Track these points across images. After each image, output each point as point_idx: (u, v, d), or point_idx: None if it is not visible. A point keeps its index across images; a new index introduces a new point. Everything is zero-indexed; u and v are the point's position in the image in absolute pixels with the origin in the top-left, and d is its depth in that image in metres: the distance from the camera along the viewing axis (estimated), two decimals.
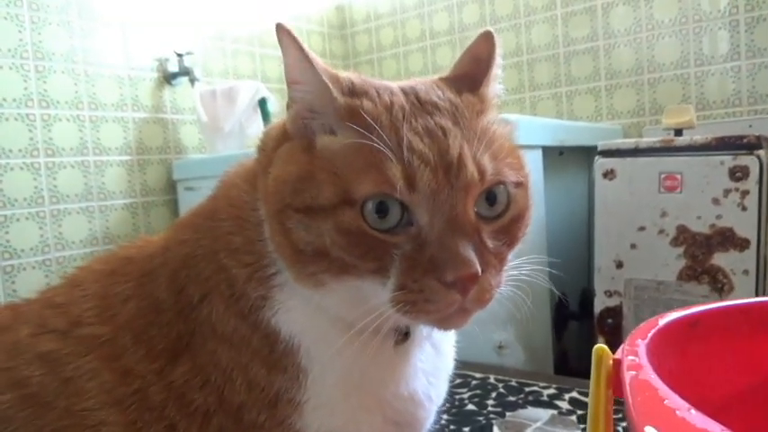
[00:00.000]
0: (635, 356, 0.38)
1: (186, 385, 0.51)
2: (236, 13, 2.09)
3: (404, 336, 0.54)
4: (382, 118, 0.46)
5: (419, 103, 0.48)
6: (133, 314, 0.54)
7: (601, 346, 0.41)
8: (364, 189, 0.44)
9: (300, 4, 2.32)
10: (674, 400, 0.31)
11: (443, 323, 0.47)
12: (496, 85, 0.53)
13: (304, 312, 0.51)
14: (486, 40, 0.52)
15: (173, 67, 1.85)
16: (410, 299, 0.44)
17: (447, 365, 0.60)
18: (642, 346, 0.40)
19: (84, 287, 0.57)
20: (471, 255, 0.43)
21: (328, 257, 0.46)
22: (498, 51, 0.52)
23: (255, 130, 1.82)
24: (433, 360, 0.57)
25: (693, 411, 0.29)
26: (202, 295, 0.52)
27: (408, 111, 0.47)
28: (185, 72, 1.84)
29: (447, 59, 2.19)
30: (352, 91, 0.48)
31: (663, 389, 0.33)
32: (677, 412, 0.29)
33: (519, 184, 0.50)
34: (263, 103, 1.83)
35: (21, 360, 0.54)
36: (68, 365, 0.52)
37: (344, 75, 0.50)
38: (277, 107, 1.88)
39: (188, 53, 1.86)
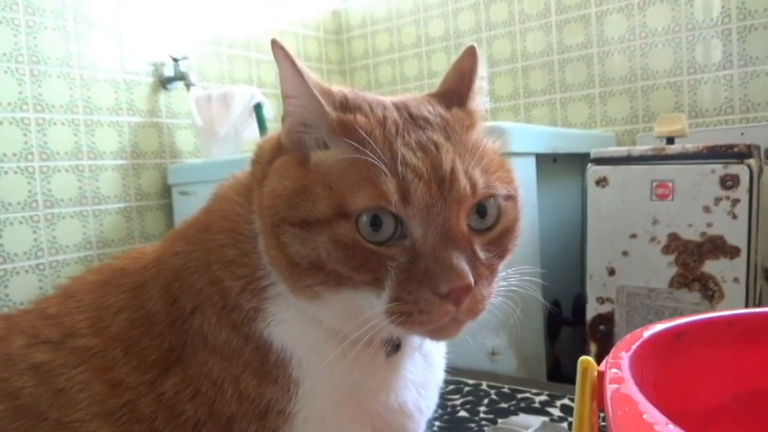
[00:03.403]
0: (618, 369, 0.39)
1: (176, 397, 0.51)
2: (233, 18, 2.09)
3: (395, 347, 0.54)
4: (376, 132, 0.47)
5: (411, 118, 0.49)
6: (125, 326, 0.54)
7: (586, 358, 0.42)
8: (359, 202, 0.45)
9: (297, 9, 2.32)
10: (652, 414, 0.32)
11: (437, 334, 0.48)
12: (481, 98, 0.54)
13: (297, 324, 0.52)
14: (469, 55, 0.54)
15: (168, 71, 1.85)
16: (405, 310, 0.44)
17: (437, 377, 0.60)
18: (625, 359, 0.41)
19: (77, 298, 0.58)
20: (464, 266, 0.44)
21: (324, 270, 0.46)
22: (481, 65, 0.54)
23: (250, 135, 1.83)
24: (424, 371, 0.58)
25: (671, 426, 0.30)
26: (194, 307, 0.53)
27: (401, 125, 0.48)
28: (181, 77, 1.84)
29: (442, 66, 2.20)
30: (345, 105, 0.49)
31: (643, 402, 0.33)
32: (655, 427, 0.30)
33: (509, 197, 0.51)
34: (258, 109, 1.84)
35: (13, 371, 0.54)
36: (60, 377, 0.53)
37: (337, 89, 0.51)
38: (272, 112, 1.88)
39: (184, 58, 1.86)
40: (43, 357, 0.54)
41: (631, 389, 0.36)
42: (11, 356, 0.55)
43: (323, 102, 0.48)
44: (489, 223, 0.48)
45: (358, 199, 0.45)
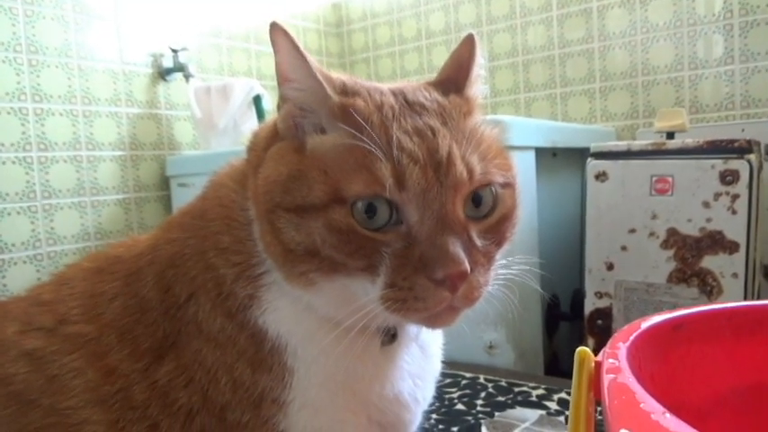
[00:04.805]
0: (615, 359, 0.39)
1: (170, 384, 0.51)
2: (232, 10, 2.08)
3: (391, 337, 0.54)
4: (373, 117, 0.46)
5: (408, 103, 0.49)
6: (119, 313, 0.54)
7: (583, 349, 0.42)
8: (354, 189, 0.44)
9: (297, 2, 2.31)
10: (649, 403, 0.31)
11: (432, 321, 0.48)
12: (480, 86, 0.54)
13: (292, 312, 0.51)
14: (468, 42, 0.53)
15: (167, 62, 1.84)
16: (400, 296, 0.44)
17: (434, 367, 0.60)
18: (623, 349, 0.41)
19: (71, 285, 0.57)
20: (460, 252, 0.43)
21: (318, 256, 0.46)
22: (479, 53, 0.53)
23: (249, 127, 1.82)
24: (420, 362, 0.58)
25: (668, 415, 0.30)
26: (189, 294, 0.53)
27: (398, 111, 0.47)
28: (180, 68, 1.84)
29: (442, 59, 2.15)
30: (344, 90, 0.49)
31: (640, 392, 0.33)
32: (652, 416, 0.30)
33: (506, 185, 0.50)
34: (257, 101, 1.83)
35: (6, 358, 0.54)
36: (53, 363, 0.52)
37: (335, 75, 0.50)
38: (271, 104, 1.87)
39: (183, 49, 1.85)
40: (36, 344, 0.54)
41: (628, 379, 0.35)
42: (3, 343, 0.55)
43: (325, 85, 0.47)
44: (485, 211, 0.48)
45: (353, 185, 0.44)
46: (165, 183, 1.84)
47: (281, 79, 0.49)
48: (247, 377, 0.50)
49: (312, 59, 0.48)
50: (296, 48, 0.47)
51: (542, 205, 1.44)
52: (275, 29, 0.47)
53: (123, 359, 0.52)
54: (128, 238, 0.63)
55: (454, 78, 0.53)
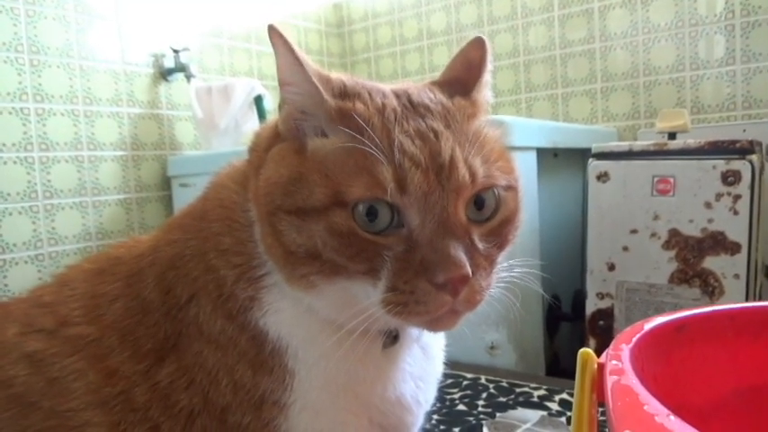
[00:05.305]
0: (618, 361, 0.38)
1: (171, 386, 0.51)
2: (233, 10, 2.08)
3: (392, 339, 0.54)
4: (374, 120, 0.46)
5: (411, 105, 0.48)
6: (120, 314, 0.54)
7: (586, 350, 0.42)
8: (355, 192, 0.44)
9: (298, 2, 2.31)
10: (653, 405, 0.31)
11: (433, 325, 0.47)
12: (487, 91, 0.53)
13: (293, 314, 0.51)
14: (478, 45, 0.53)
15: (168, 62, 1.84)
16: (401, 300, 0.44)
17: (436, 369, 0.60)
18: (626, 351, 0.40)
19: (72, 286, 0.57)
20: (462, 256, 0.43)
21: (320, 259, 0.46)
22: (489, 58, 0.53)
23: (251, 127, 1.82)
24: (422, 364, 0.57)
25: (672, 417, 0.30)
26: (190, 296, 0.52)
27: (400, 113, 0.47)
28: (181, 68, 1.84)
29: (444, 59, 2.18)
30: (344, 93, 0.48)
31: (643, 394, 0.33)
32: (656, 418, 0.30)
33: (509, 188, 0.50)
34: (258, 101, 1.83)
35: (7, 360, 0.54)
36: (54, 365, 0.52)
37: (336, 76, 0.50)
38: (273, 104, 1.87)
39: (184, 49, 1.85)
40: (37, 346, 0.53)
41: (632, 380, 0.35)
42: (4, 345, 0.55)
43: (321, 89, 0.47)
44: (487, 214, 0.48)
45: (354, 188, 0.44)
46: (166, 183, 1.84)
47: (281, 82, 0.49)
48: (248, 379, 0.50)
49: (309, 62, 0.48)
50: (292, 51, 0.47)
51: (543, 206, 1.44)
52: (272, 32, 0.47)
53: (124, 361, 0.52)
54: (129, 238, 0.63)
55: (463, 80, 0.52)
